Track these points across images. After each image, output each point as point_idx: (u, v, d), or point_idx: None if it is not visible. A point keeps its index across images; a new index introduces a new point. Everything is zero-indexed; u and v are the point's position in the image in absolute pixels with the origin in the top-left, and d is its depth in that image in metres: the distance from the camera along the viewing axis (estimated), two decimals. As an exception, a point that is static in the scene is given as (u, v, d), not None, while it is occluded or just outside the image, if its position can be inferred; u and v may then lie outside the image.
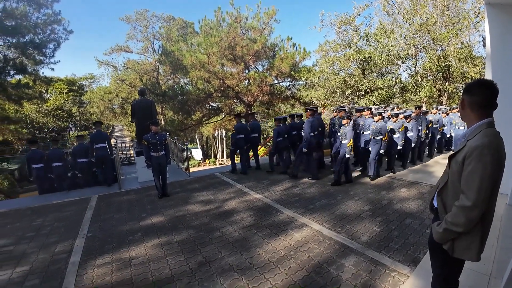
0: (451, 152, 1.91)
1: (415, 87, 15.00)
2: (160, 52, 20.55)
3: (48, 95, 35.76)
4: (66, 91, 38.07)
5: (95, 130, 8.00)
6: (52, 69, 18.61)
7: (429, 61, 14.35)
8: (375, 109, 8.67)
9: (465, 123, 1.86)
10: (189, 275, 3.24)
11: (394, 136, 7.54)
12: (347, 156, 6.51)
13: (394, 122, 7.63)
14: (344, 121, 6.69)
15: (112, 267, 3.49)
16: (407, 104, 15.84)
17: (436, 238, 1.84)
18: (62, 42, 17.15)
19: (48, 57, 16.50)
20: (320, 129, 7.78)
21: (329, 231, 4.23)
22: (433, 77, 15.15)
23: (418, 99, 14.84)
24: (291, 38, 18.51)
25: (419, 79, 15.08)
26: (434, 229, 1.87)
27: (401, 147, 7.62)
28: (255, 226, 4.51)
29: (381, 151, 6.86)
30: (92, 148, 7.70)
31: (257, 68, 19.66)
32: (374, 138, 6.90)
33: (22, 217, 5.46)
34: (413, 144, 7.96)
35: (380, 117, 6.93)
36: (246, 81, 19.09)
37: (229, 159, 10.40)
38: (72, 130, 42.27)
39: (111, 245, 4.10)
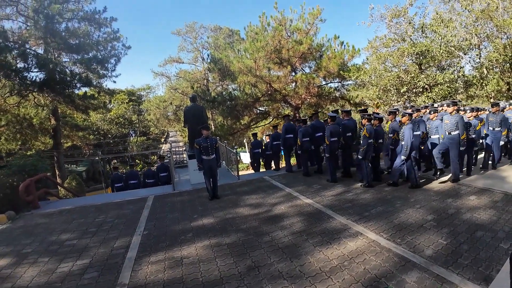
0: None
1: (481, 81, 13.33)
2: (209, 60, 21.37)
3: (111, 105, 39.53)
4: (126, 101, 41.88)
5: (159, 163, 10.10)
6: (114, 82, 20.72)
7: (494, 51, 12.71)
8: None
9: None
10: (238, 279, 3.17)
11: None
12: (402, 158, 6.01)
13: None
14: (404, 119, 6.14)
15: (165, 265, 3.58)
16: (472, 100, 14.16)
17: None
18: (121, 57, 18.88)
19: (110, 71, 18.22)
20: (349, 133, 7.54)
21: (387, 242, 3.84)
22: (500, 68, 13.35)
23: (485, 94, 13.17)
24: (338, 37, 17.83)
25: (485, 72, 13.37)
26: None
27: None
28: (305, 233, 4.30)
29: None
30: (158, 174, 9.63)
31: (303, 70, 19.30)
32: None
33: (86, 213, 5.95)
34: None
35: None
36: (293, 84, 18.84)
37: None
38: (132, 136, 46.12)
39: (164, 243, 4.24)
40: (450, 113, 6.36)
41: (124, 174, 10.02)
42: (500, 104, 7.90)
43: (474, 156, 7.59)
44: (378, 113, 7.82)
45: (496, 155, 7.33)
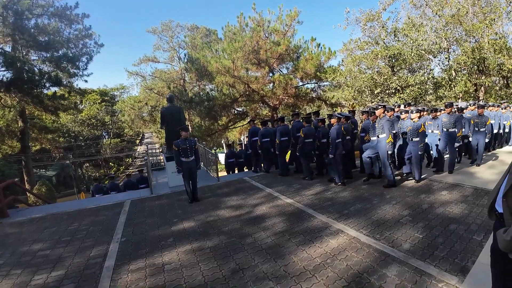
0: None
1: (450, 82, 14.11)
2: (185, 60, 21.04)
3: (82, 106, 37.91)
4: (99, 101, 40.29)
5: (139, 175, 10.04)
6: (86, 81, 19.88)
7: (463, 54, 13.49)
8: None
9: None
10: (223, 283, 3.12)
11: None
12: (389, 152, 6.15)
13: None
14: (378, 112, 6.40)
15: (146, 273, 3.46)
16: (441, 101, 14.96)
17: (503, 247, 1.60)
18: (94, 55, 18.22)
19: (81, 69, 17.52)
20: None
21: (367, 238, 3.95)
22: (468, 71, 14.21)
23: (453, 95, 13.95)
24: (315, 39, 18.20)
25: (453, 74, 14.17)
26: (500, 237, 1.62)
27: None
28: (288, 232, 4.33)
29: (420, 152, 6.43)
30: (137, 185, 9.64)
31: (281, 71, 19.52)
32: (411, 139, 6.48)
33: (59, 221, 5.64)
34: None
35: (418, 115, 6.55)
36: (271, 85, 19.00)
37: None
38: (105, 138, 44.43)
39: (144, 250, 4.10)
40: (448, 113, 7.09)
41: (105, 185, 10.07)
42: (460, 104, 8.33)
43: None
44: (340, 113, 8.03)
45: (451, 157, 7.16)
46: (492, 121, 8.60)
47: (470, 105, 9.00)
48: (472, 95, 14.87)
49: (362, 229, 4.25)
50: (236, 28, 18.08)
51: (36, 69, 15.55)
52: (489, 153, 8.94)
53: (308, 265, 3.37)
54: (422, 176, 6.70)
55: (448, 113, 7.11)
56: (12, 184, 7.33)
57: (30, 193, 11.76)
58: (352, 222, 4.54)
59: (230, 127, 22.92)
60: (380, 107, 6.79)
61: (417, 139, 6.32)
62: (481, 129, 7.56)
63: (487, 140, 7.84)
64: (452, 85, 13.98)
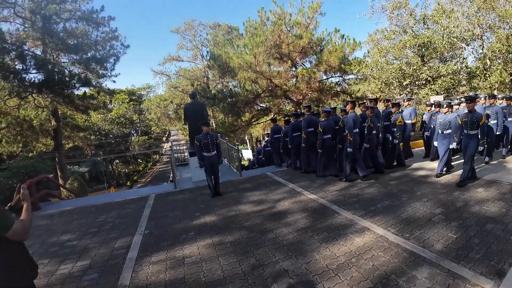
0: None
1: (484, 72, 13.10)
2: (208, 57, 21.22)
3: (112, 105, 39.56)
4: (127, 101, 41.93)
5: None
6: (114, 81, 20.67)
7: (497, 42, 12.46)
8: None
9: None
10: (242, 278, 3.06)
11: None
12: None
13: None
14: (347, 108, 6.35)
15: (167, 265, 3.48)
16: (476, 92, 13.96)
17: None
18: (120, 56, 18.89)
19: (109, 70, 18.21)
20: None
21: (396, 237, 3.72)
22: (503, 59, 13.10)
23: (488, 85, 12.95)
24: (339, 30, 17.63)
25: (488, 63, 13.14)
26: None
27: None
28: (310, 229, 4.18)
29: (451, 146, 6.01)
30: None
31: (304, 65, 19.10)
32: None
33: (87, 214, 5.85)
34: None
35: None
36: (294, 79, 18.66)
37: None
38: (134, 136, 46.18)
39: (166, 242, 4.13)
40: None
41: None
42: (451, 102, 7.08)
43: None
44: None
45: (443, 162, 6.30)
46: (493, 121, 7.27)
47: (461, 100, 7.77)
48: (508, 85, 13.73)
49: (390, 228, 4.02)
50: (257, 23, 17.88)
51: (66, 70, 16.38)
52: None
53: (331, 263, 3.21)
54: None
55: (445, 113, 6.36)
56: (44, 179, 7.71)
57: (62, 188, 12.44)
58: (379, 220, 4.30)
59: (254, 123, 22.86)
60: (348, 103, 6.67)
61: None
62: (471, 132, 5.64)
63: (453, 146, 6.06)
64: (487, 75, 12.99)
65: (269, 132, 9.93)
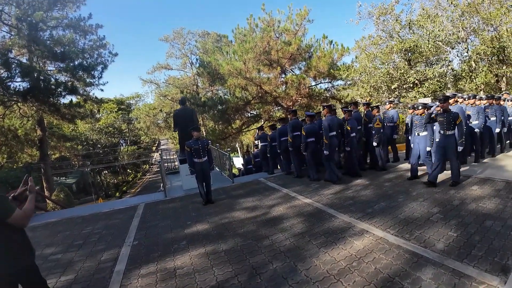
0: None
1: (470, 74, 13.41)
2: (197, 64, 21.13)
3: (100, 115, 38.85)
4: (115, 110, 41.21)
5: None
6: (102, 90, 20.27)
7: (481, 44, 12.82)
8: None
9: None
10: (239, 289, 2.88)
11: None
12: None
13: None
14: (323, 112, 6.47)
15: (157, 277, 3.26)
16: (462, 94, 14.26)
17: None
18: (108, 64, 18.60)
19: (97, 78, 17.85)
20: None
21: (396, 238, 3.62)
22: (488, 61, 13.47)
23: (474, 87, 13.25)
24: (327, 37, 17.79)
25: (473, 65, 13.48)
26: None
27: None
28: (308, 234, 4.04)
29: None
30: None
31: (293, 72, 19.20)
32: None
33: (73, 225, 5.55)
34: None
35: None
36: (284, 86, 18.71)
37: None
38: (123, 145, 45.35)
39: (156, 253, 3.91)
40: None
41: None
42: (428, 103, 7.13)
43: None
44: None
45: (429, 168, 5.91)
46: (475, 121, 7.14)
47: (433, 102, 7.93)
48: (493, 86, 14.11)
49: (389, 229, 3.92)
50: (246, 30, 17.91)
51: (52, 78, 15.96)
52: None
53: (332, 269, 3.07)
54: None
55: (420, 115, 6.09)
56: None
57: (48, 199, 11.95)
58: (378, 222, 4.20)
59: (244, 130, 22.73)
60: (325, 107, 6.86)
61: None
62: (448, 132, 5.54)
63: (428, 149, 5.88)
64: (473, 77, 13.29)
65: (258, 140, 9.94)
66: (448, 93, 6.64)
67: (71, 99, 17.93)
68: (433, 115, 5.63)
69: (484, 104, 7.48)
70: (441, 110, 5.62)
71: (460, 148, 5.63)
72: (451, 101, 6.41)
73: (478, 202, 4.55)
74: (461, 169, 6.40)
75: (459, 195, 4.94)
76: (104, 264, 3.72)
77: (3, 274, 2.00)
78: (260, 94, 18.47)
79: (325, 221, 4.43)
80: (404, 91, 14.79)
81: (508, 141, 8.59)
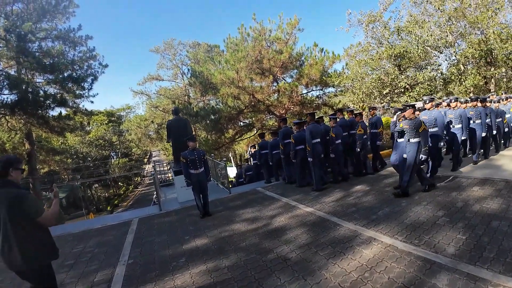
0: None
1: (459, 77, 13.64)
2: (189, 75, 21.00)
3: (90, 127, 38.18)
4: (106, 122, 40.56)
5: None
6: (92, 102, 19.85)
7: (469, 47, 13.08)
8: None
9: None
10: (246, 309, 2.67)
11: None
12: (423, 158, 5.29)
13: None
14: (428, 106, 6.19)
15: (156, 300, 3.03)
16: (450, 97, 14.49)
17: None
18: (99, 76, 18.27)
19: (87, 90, 17.52)
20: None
21: (405, 245, 3.49)
22: (476, 64, 13.74)
23: (463, 90, 13.46)
24: (317, 45, 17.93)
25: (462, 68, 13.74)
26: None
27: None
28: (313, 244, 3.86)
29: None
30: None
31: (285, 80, 19.27)
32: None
33: (63, 244, 5.21)
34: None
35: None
36: (276, 94, 18.73)
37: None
38: (113, 158, 44.54)
39: (153, 272, 3.67)
40: (428, 109, 6.36)
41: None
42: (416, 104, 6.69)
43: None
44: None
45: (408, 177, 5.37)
46: (458, 125, 6.85)
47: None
48: (483, 88, 14.37)
49: (397, 235, 3.78)
50: (238, 39, 17.95)
51: (41, 90, 15.60)
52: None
53: (344, 281, 2.90)
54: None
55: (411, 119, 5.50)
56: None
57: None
58: (384, 228, 4.06)
59: (237, 139, 22.57)
60: (308, 115, 7.01)
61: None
62: (412, 140, 5.35)
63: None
64: (462, 80, 13.52)
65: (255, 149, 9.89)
66: (426, 97, 6.40)
67: (60, 111, 17.52)
68: (399, 124, 5.59)
69: (469, 106, 7.17)
70: (403, 118, 5.48)
71: (423, 157, 5.26)
72: (428, 105, 6.31)
73: (481, 203, 4.50)
74: (461, 169, 6.54)
75: (462, 197, 4.90)
76: (97, 286, 3.46)
77: (17, 266, 2.17)
78: (252, 103, 18.40)
79: (330, 230, 4.26)
80: (395, 95, 14.93)
81: (502, 141, 8.65)
